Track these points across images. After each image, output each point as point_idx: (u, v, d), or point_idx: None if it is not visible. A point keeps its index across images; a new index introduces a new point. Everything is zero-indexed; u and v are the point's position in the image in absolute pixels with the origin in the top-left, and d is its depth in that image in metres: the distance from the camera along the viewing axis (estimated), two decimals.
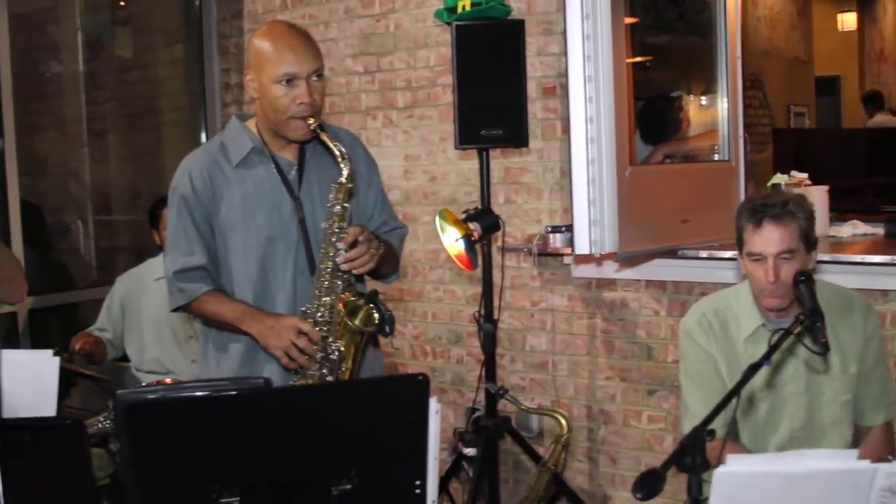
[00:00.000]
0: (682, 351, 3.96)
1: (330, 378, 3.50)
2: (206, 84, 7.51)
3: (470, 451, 5.30)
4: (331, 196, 3.56)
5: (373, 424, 2.58)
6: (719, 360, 3.80)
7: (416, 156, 6.40)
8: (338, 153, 3.53)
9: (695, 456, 2.69)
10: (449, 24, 5.18)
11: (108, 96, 7.85)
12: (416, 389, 2.58)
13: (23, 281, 3.97)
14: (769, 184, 5.58)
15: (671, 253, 5.32)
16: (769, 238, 3.57)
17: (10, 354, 2.85)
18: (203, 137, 7.53)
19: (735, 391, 2.95)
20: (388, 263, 3.75)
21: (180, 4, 7.67)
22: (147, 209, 6.00)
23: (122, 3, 7.98)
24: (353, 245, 3.48)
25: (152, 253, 6.10)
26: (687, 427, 3.86)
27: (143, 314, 5.69)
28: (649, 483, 2.61)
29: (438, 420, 2.65)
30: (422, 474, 2.67)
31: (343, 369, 3.52)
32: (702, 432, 2.72)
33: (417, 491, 2.68)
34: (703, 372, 3.84)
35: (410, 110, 6.42)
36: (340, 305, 3.51)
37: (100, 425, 4.10)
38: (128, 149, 7.93)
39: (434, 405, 2.62)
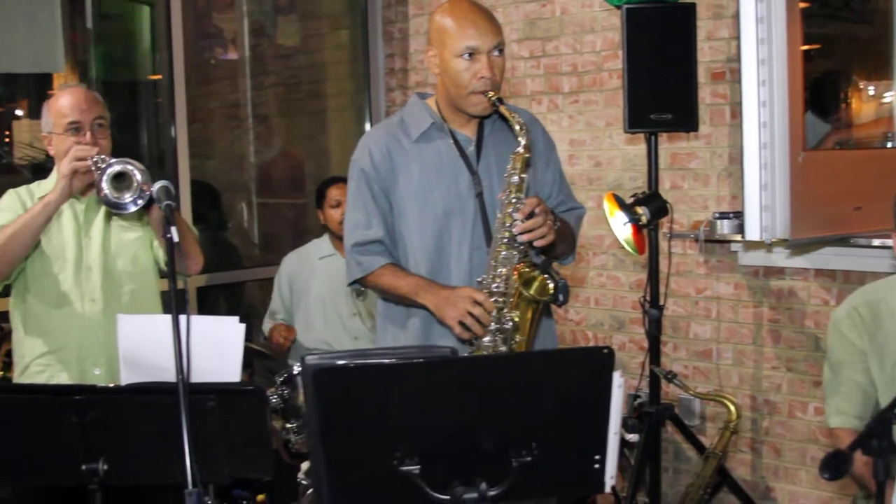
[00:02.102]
0: (829, 341, 3.83)
1: (503, 349, 3.50)
2: (371, 69, 7.57)
3: (632, 438, 5.26)
4: (508, 166, 3.57)
5: (556, 396, 2.59)
6: (870, 355, 3.66)
7: (582, 141, 6.37)
8: (516, 125, 3.55)
9: (881, 439, 2.64)
10: (619, 7, 5.16)
11: (274, 81, 7.98)
12: (600, 362, 2.58)
13: (199, 254, 4.05)
14: None
15: (842, 241, 5.22)
16: None
17: (198, 320, 2.92)
18: (367, 122, 7.60)
19: None
20: (564, 242, 3.73)
21: None
22: (309, 191, 6.08)
23: None
24: (529, 216, 3.46)
25: (317, 233, 6.19)
26: (832, 420, 3.75)
27: (310, 293, 5.78)
28: (836, 464, 2.58)
29: (621, 394, 2.64)
30: (602, 449, 2.67)
31: (517, 340, 3.51)
32: (889, 414, 2.67)
33: (596, 466, 2.68)
34: (847, 364, 3.71)
35: (576, 95, 6.39)
36: (515, 275, 3.51)
37: None
38: (292, 133, 8.06)
39: (617, 379, 2.61)
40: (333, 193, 5.72)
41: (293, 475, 4.59)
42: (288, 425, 4.74)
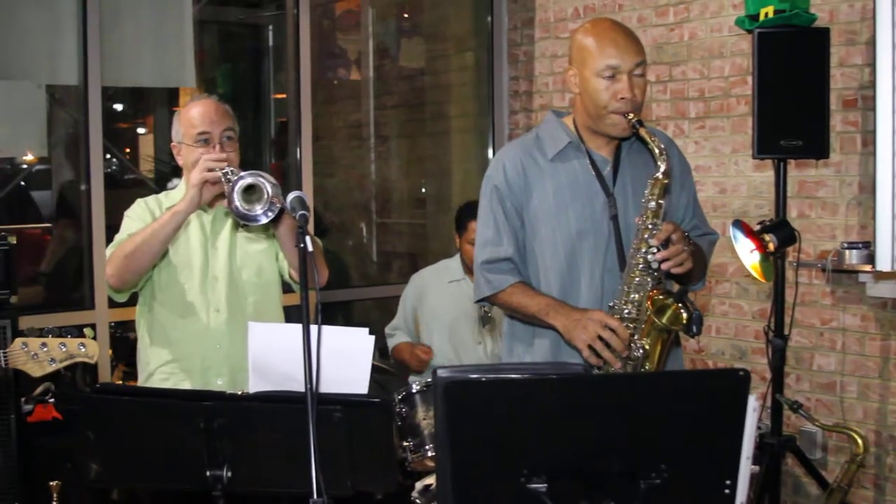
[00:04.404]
0: None
1: None
2: (495, 91, 7.58)
3: (752, 469, 5.17)
4: (646, 191, 3.51)
5: (688, 418, 2.54)
6: None
7: (707, 167, 6.30)
8: (656, 149, 3.49)
9: None
10: (750, 31, 5.10)
11: (397, 102, 8.03)
12: (735, 385, 2.52)
13: (325, 266, 4.06)
14: None
15: None
16: None
17: (328, 331, 2.91)
18: (490, 144, 7.59)
19: None
20: (696, 267, 3.62)
21: (472, 13, 7.77)
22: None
23: (407, 16, 8.16)
24: (665, 242, 3.40)
25: (437, 254, 6.16)
26: None
27: (435, 315, 5.73)
28: None
29: (755, 419, 2.58)
30: (733, 474, 2.62)
31: (646, 367, 3.44)
32: None
33: (727, 491, 2.62)
34: None
35: (702, 121, 6.33)
36: (648, 303, 3.44)
37: None
38: (413, 153, 8.09)
39: (752, 402, 2.55)
40: (474, 228, 5.64)
41: (407, 495, 4.57)
42: (404, 443, 4.73)
